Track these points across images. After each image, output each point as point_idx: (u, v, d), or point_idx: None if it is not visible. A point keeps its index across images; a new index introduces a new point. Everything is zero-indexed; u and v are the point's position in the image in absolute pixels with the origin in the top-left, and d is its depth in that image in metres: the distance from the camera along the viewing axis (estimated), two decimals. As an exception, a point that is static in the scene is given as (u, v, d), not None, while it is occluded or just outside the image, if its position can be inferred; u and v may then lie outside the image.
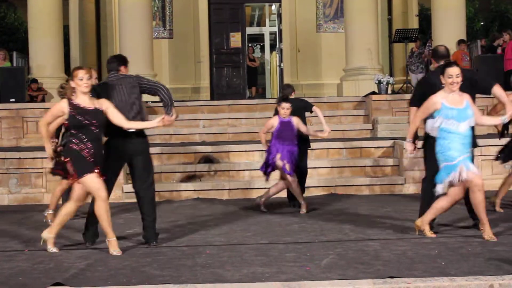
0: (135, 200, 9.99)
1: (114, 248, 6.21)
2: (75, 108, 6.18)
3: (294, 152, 8.47)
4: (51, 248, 6.36)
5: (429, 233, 6.61)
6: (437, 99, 6.42)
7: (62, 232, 7.49)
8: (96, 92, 6.57)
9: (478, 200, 6.39)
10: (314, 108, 9.07)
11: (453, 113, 6.34)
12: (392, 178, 10.51)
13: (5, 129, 12.87)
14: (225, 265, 5.63)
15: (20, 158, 10.41)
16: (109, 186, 6.60)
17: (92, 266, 5.74)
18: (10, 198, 10.32)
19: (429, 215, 6.62)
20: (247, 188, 10.33)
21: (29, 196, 10.31)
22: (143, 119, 6.72)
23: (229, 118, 13.50)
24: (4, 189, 10.33)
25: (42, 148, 11.01)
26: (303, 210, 8.50)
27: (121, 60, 6.97)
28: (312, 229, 7.32)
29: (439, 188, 6.43)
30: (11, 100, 13.80)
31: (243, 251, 6.18)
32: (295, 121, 8.51)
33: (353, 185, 10.33)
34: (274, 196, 9.95)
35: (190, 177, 10.64)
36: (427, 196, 6.81)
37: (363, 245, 6.36)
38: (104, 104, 6.31)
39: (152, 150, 10.84)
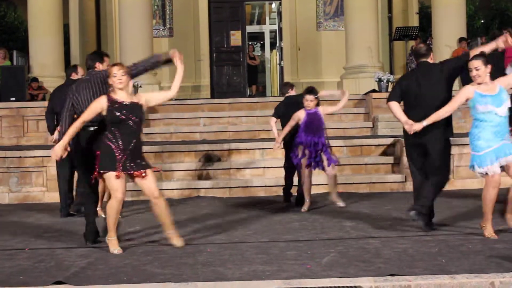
0: (136, 198, 10.06)
1: (114, 246, 6.21)
2: (113, 103, 6.19)
3: (318, 144, 8.46)
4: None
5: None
6: (470, 89, 6.48)
7: (63, 232, 7.52)
8: (71, 89, 6.71)
9: (489, 197, 6.42)
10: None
11: (487, 100, 6.39)
12: (393, 176, 10.51)
13: (5, 128, 12.88)
14: (226, 263, 5.63)
15: (20, 156, 10.42)
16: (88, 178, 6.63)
17: (92, 264, 5.74)
18: (10, 196, 10.32)
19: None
20: (247, 186, 10.33)
21: (30, 195, 10.32)
22: None
23: (229, 117, 13.50)
24: (5, 188, 10.34)
25: (42, 147, 11.07)
26: (305, 208, 8.50)
27: (96, 57, 6.89)
28: (312, 227, 7.32)
29: (478, 175, 6.51)
30: (11, 99, 13.81)
31: (244, 249, 6.19)
32: (322, 109, 8.55)
33: (353, 183, 10.34)
34: (275, 194, 9.99)
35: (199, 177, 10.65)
36: (418, 189, 6.91)
37: (364, 243, 6.36)
38: (142, 98, 6.33)
39: (153, 148, 10.92)
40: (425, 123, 6.59)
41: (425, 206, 6.74)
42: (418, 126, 6.60)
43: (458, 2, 15.85)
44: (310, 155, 8.40)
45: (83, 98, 6.62)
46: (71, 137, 6.33)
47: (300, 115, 8.52)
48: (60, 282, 5.15)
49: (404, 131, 6.94)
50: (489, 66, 6.45)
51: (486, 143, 6.37)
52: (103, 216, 8.02)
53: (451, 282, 4.94)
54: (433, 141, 6.69)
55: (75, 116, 6.64)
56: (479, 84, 6.44)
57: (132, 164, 6.18)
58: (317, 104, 8.57)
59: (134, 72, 6.63)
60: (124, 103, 6.20)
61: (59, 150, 6.29)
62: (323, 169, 8.57)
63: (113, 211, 6.20)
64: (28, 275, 5.41)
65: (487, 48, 6.87)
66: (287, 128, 8.63)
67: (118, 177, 6.14)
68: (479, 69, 6.43)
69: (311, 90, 8.61)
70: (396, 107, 6.83)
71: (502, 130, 6.40)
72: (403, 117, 6.74)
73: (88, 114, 6.29)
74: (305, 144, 8.41)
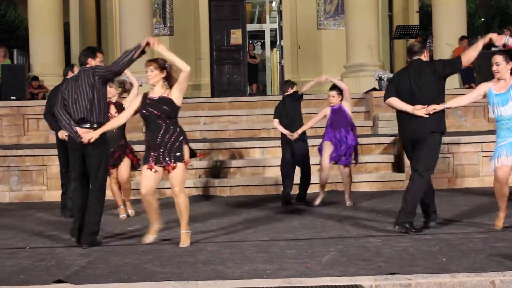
0: (136, 197, 10.04)
1: (146, 235, 6.47)
2: (144, 99, 6.35)
3: (344, 139, 8.55)
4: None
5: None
6: (487, 85, 6.67)
7: (63, 231, 7.51)
8: (61, 86, 6.66)
9: (496, 190, 6.68)
10: (300, 91, 9.03)
11: (497, 99, 6.57)
12: (393, 175, 10.51)
13: (6, 127, 12.87)
14: (226, 262, 5.63)
15: (21, 155, 10.41)
16: (79, 179, 6.54)
17: (93, 263, 5.74)
18: (11, 195, 10.32)
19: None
20: (248, 185, 10.33)
21: (30, 194, 10.32)
22: (104, 117, 6.60)
23: (229, 115, 13.49)
24: (5, 187, 10.34)
25: (42, 146, 11.06)
26: (317, 201, 8.64)
27: (88, 53, 6.76)
28: (313, 226, 7.33)
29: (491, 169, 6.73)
30: (11, 97, 13.80)
31: (244, 248, 6.19)
32: (345, 104, 8.62)
33: (354, 182, 10.30)
34: (276, 193, 9.98)
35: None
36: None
37: (364, 241, 6.36)
38: (172, 93, 6.33)
39: (153, 147, 10.90)
40: (447, 105, 6.65)
41: (409, 213, 6.67)
42: (439, 107, 6.59)
43: (459, 1, 15.83)
44: (335, 150, 8.55)
45: (71, 96, 6.50)
46: (109, 129, 6.54)
47: (326, 112, 8.69)
48: (61, 281, 5.15)
49: (399, 130, 6.95)
50: (511, 63, 6.57)
51: (500, 139, 6.62)
52: (121, 215, 8.11)
53: (452, 281, 4.94)
54: (426, 136, 6.65)
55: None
56: (498, 79, 6.58)
57: (166, 158, 6.28)
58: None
59: (108, 76, 6.56)
60: (151, 98, 6.30)
61: (95, 134, 6.37)
62: (345, 164, 8.69)
63: (145, 205, 6.48)
64: (28, 274, 5.41)
65: (478, 47, 6.79)
66: (311, 123, 8.79)
67: (150, 169, 6.30)
68: (500, 64, 6.58)
69: (334, 86, 8.73)
70: (396, 100, 6.79)
71: None
72: (408, 106, 6.69)
73: (130, 111, 6.45)
74: (331, 139, 8.56)
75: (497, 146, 6.63)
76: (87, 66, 6.66)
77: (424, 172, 6.68)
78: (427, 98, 6.63)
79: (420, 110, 6.58)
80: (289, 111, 8.87)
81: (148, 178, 6.32)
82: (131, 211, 8.48)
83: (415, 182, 6.68)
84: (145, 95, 6.39)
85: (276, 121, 9.03)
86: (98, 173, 6.53)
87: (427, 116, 6.57)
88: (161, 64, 6.34)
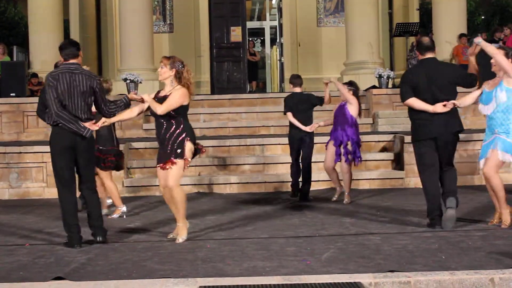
0: (136, 194, 10.06)
1: (180, 234, 6.41)
2: (155, 97, 6.42)
3: (340, 137, 8.62)
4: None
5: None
6: (486, 83, 6.78)
7: (62, 228, 7.51)
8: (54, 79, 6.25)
9: (487, 188, 6.85)
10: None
11: (484, 96, 6.71)
12: (393, 172, 10.51)
13: (5, 124, 12.86)
14: (226, 259, 5.64)
15: (20, 152, 10.41)
16: (70, 181, 6.36)
17: (93, 260, 5.75)
18: (10, 192, 10.32)
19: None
20: (247, 183, 10.33)
21: (30, 191, 10.32)
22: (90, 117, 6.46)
23: (229, 113, 13.47)
24: (5, 184, 10.34)
25: (42, 143, 11.05)
26: (334, 197, 8.86)
27: (77, 45, 6.45)
28: (312, 223, 7.33)
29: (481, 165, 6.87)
30: (11, 94, 13.80)
31: (243, 245, 6.19)
32: (348, 105, 8.66)
33: (353, 179, 10.29)
34: (275, 190, 9.99)
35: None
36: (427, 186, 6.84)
37: (363, 239, 6.37)
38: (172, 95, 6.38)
39: (153, 144, 10.90)
40: (457, 102, 6.66)
41: (454, 191, 6.76)
42: (458, 102, 6.67)
43: (459, -2, 15.85)
44: (336, 149, 8.69)
45: (70, 95, 6.21)
46: (123, 119, 6.76)
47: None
48: (60, 277, 5.15)
49: (418, 130, 6.81)
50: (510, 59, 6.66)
51: (486, 136, 6.77)
52: (113, 216, 8.03)
53: (451, 278, 4.94)
54: (451, 136, 6.71)
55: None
56: (498, 75, 6.68)
57: (165, 156, 6.32)
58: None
59: (98, 103, 6.43)
60: (158, 96, 6.39)
61: (110, 120, 6.49)
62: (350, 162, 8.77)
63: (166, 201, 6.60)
64: (28, 271, 5.41)
65: (473, 63, 6.85)
66: (326, 122, 9.02)
67: (161, 168, 6.37)
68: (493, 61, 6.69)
69: (347, 82, 8.87)
70: (417, 101, 6.71)
71: (492, 124, 6.66)
72: (428, 105, 6.66)
73: (144, 105, 6.42)
74: (332, 138, 8.75)
75: (484, 143, 6.81)
76: (78, 60, 6.37)
77: (452, 164, 6.87)
78: (447, 100, 6.61)
79: (440, 108, 6.58)
80: (302, 109, 8.92)
81: (162, 176, 6.39)
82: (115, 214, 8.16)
83: (453, 174, 6.84)
84: (157, 93, 6.49)
85: (290, 114, 9.00)
86: (93, 169, 6.61)
87: (448, 113, 6.60)
88: (172, 63, 6.33)
